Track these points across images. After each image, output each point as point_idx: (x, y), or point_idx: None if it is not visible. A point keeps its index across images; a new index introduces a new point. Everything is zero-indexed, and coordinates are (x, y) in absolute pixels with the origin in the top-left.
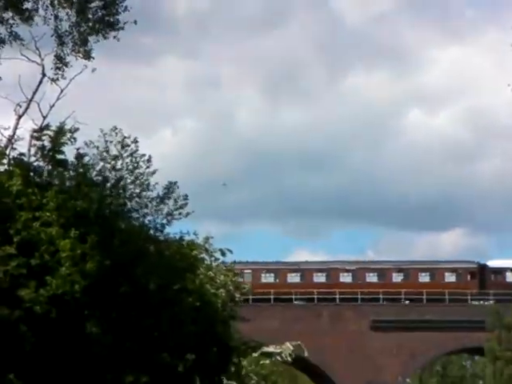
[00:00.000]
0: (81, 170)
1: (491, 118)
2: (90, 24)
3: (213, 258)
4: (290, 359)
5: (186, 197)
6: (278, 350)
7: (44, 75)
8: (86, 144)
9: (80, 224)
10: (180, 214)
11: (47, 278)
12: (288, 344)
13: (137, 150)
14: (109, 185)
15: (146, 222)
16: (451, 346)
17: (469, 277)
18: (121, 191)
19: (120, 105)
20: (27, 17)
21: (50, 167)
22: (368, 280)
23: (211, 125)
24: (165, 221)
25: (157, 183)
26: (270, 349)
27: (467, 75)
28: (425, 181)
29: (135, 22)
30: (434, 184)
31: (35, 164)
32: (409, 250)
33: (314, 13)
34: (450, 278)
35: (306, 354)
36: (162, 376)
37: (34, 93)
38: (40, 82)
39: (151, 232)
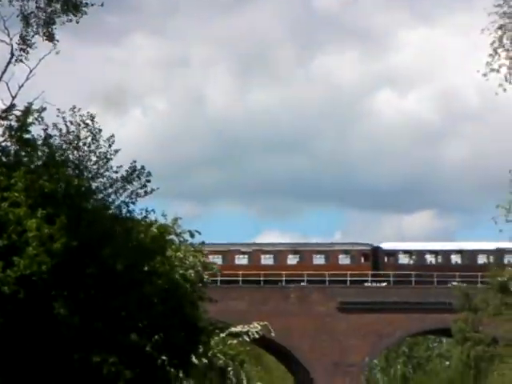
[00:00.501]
0: (47, 151)
1: (460, 100)
2: (58, 6)
3: (181, 239)
4: (257, 336)
5: (148, 173)
6: (245, 330)
7: (12, 55)
8: (54, 125)
9: (47, 204)
10: (145, 192)
11: (14, 258)
12: (255, 323)
13: (99, 130)
14: (72, 165)
15: (110, 200)
16: (417, 328)
17: (362, 259)
18: (84, 171)
19: (90, 85)
20: None
21: (17, 147)
22: (263, 262)
23: (181, 105)
24: (129, 199)
25: (121, 166)
26: (238, 329)
27: (437, 57)
28: (394, 162)
29: (102, 5)
30: (404, 166)
31: (3, 144)
32: (377, 232)
33: None
34: (345, 260)
35: (272, 335)
36: (129, 356)
37: (3, 73)
38: (9, 62)
39: (117, 212)
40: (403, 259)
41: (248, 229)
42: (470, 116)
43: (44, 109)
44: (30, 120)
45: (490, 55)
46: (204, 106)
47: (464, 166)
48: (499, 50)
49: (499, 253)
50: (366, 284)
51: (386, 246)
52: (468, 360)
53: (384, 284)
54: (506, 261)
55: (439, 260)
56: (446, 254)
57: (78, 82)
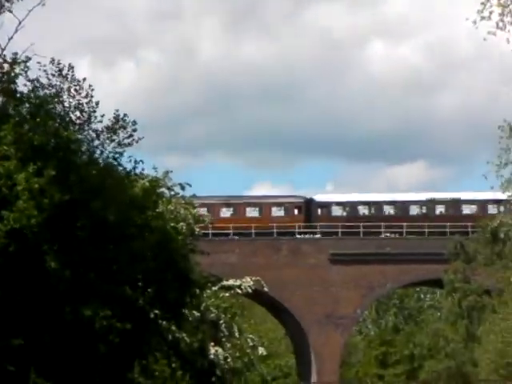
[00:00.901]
0: (35, 102)
1: (452, 49)
2: None
3: (172, 192)
4: (250, 290)
5: (134, 123)
6: (238, 283)
7: (1, 7)
8: (36, 79)
9: (37, 158)
10: (132, 141)
11: (4, 212)
12: (248, 278)
13: (78, 80)
14: (57, 118)
15: (98, 153)
16: (408, 279)
17: (296, 211)
18: (70, 124)
19: (80, 37)
20: None
21: (4, 99)
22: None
23: (173, 57)
24: (116, 151)
25: (103, 115)
26: (230, 282)
27: (429, 6)
28: (386, 113)
29: None
30: (395, 116)
31: None
32: (370, 183)
33: None
34: (278, 212)
35: (265, 289)
36: (122, 310)
37: None
38: None
39: (106, 164)
40: (336, 211)
41: (240, 181)
42: (461, 65)
43: (29, 59)
44: (16, 71)
45: (482, 3)
46: (195, 57)
47: (456, 115)
48: None
49: (431, 203)
50: (299, 236)
51: (319, 198)
52: (459, 310)
53: (318, 236)
54: (437, 211)
55: (372, 211)
56: (379, 205)
57: (68, 33)
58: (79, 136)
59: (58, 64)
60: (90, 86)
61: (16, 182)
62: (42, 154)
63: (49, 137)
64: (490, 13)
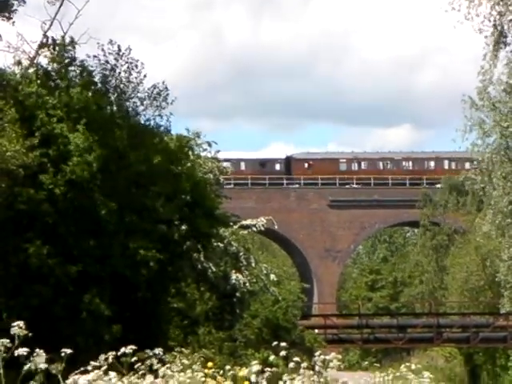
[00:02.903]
0: (84, 73)
1: (432, 34)
2: None
3: (201, 149)
4: (263, 228)
5: (166, 88)
6: (254, 223)
7: None
8: (87, 56)
9: (85, 118)
10: (167, 103)
11: (62, 165)
12: (261, 218)
13: (131, 59)
14: (109, 88)
15: (142, 117)
16: (393, 220)
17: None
18: (122, 94)
19: (131, 22)
20: None
21: (59, 68)
22: None
23: (206, 39)
24: (156, 112)
25: (154, 88)
26: (247, 222)
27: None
28: (378, 86)
29: None
30: (386, 88)
31: (51, 68)
32: (363, 143)
33: None
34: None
35: (276, 227)
36: (160, 243)
37: (56, 13)
38: (61, 4)
39: (146, 124)
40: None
41: (259, 141)
42: (439, 47)
43: (73, 39)
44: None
45: None
46: (224, 39)
47: (435, 87)
48: None
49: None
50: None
51: (298, 155)
52: (431, 246)
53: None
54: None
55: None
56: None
57: (120, 19)
58: (128, 104)
59: (114, 44)
60: (142, 63)
61: (71, 141)
62: (89, 118)
63: (92, 102)
64: (459, 6)
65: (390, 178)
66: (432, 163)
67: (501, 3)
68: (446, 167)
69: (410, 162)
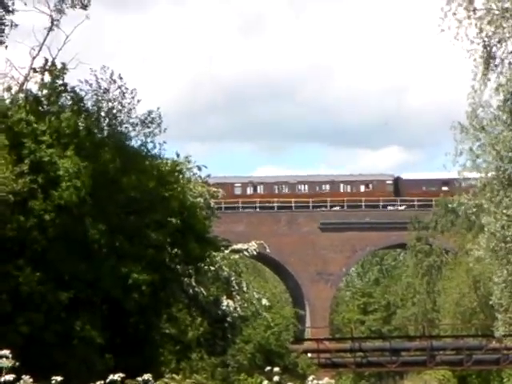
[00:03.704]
0: (73, 98)
1: (420, 58)
2: None
3: (192, 173)
4: (254, 253)
5: (159, 116)
6: (245, 247)
7: (52, 24)
8: (80, 81)
9: (75, 144)
10: (159, 131)
11: (51, 191)
12: (253, 242)
13: (123, 85)
14: (102, 113)
15: (133, 140)
16: (383, 243)
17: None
18: (112, 118)
19: (119, 48)
20: None
21: (49, 95)
22: None
23: (195, 64)
24: (149, 139)
25: (132, 108)
26: (238, 246)
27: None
28: (367, 107)
29: None
30: (374, 110)
31: (40, 94)
32: (353, 164)
33: None
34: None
35: (267, 251)
36: (151, 267)
37: (45, 39)
38: (49, 30)
39: (137, 149)
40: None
41: (248, 163)
42: (428, 70)
43: (64, 65)
44: (57, 73)
45: (441, 18)
46: (212, 63)
47: (424, 110)
48: (448, 13)
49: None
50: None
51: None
52: (422, 267)
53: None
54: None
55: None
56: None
57: (109, 44)
58: (120, 129)
59: (105, 69)
60: (134, 89)
61: (59, 166)
62: (79, 143)
63: (83, 127)
64: (449, 27)
65: (380, 200)
66: (327, 186)
67: (489, 25)
68: (342, 190)
69: (306, 186)
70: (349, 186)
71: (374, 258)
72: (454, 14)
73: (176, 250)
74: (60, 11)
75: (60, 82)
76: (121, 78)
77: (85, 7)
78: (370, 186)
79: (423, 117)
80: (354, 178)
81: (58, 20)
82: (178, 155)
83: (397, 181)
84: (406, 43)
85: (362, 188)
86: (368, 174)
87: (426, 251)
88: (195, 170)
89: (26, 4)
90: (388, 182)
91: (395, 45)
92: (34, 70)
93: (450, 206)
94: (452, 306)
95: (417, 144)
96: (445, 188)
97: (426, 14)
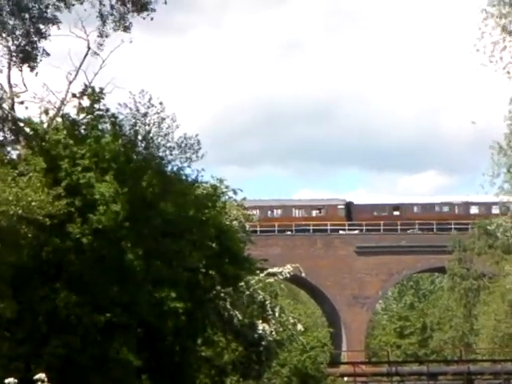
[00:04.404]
0: (112, 123)
1: (453, 78)
2: (129, 5)
3: (226, 196)
4: (288, 276)
5: (198, 142)
6: (280, 270)
7: (89, 49)
8: (119, 104)
9: (114, 169)
10: (197, 156)
11: (89, 215)
12: (288, 265)
13: (162, 110)
14: (140, 137)
15: (170, 167)
16: (421, 266)
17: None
18: (149, 142)
19: (156, 71)
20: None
21: (89, 120)
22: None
23: (232, 85)
24: (186, 164)
25: (170, 133)
26: (274, 269)
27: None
28: (404, 130)
29: (165, 2)
30: (412, 133)
31: (78, 118)
32: (393, 189)
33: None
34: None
35: (303, 274)
36: (188, 289)
37: (81, 64)
38: (86, 55)
39: (175, 173)
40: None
41: (285, 187)
42: (464, 92)
43: (102, 90)
44: (94, 98)
45: (477, 38)
46: (250, 86)
47: (461, 132)
48: (484, 34)
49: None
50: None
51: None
52: (460, 291)
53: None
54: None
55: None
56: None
57: (145, 67)
58: (156, 151)
59: (143, 92)
60: (173, 114)
61: (97, 190)
62: (118, 166)
63: (121, 152)
64: (484, 47)
65: (416, 224)
66: (279, 211)
67: None
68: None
69: (279, 211)
70: (312, 211)
71: (409, 282)
72: (490, 34)
73: (211, 272)
74: (102, 34)
75: (99, 106)
76: (161, 103)
77: (126, 30)
78: (322, 211)
79: (460, 139)
80: (306, 203)
81: (100, 44)
82: (213, 178)
83: (349, 206)
84: (441, 65)
85: (314, 213)
86: (320, 199)
87: (463, 275)
88: (230, 194)
89: (59, 28)
90: (340, 206)
91: (430, 67)
92: (74, 95)
93: (488, 228)
94: (490, 331)
95: (455, 167)
96: (396, 213)
97: (460, 37)
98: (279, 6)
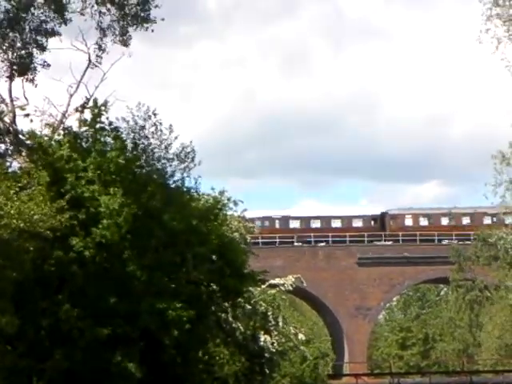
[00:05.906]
0: (115, 136)
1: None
2: (129, 18)
3: (227, 208)
4: (291, 288)
5: (193, 151)
6: (282, 282)
7: (90, 62)
8: (123, 119)
9: (116, 182)
10: (194, 164)
11: (92, 228)
12: (290, 276)
13: (158, 121)
14: (139, 149)
15: (169, 175)
16: (422, 277)
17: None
18: (149, 154)
19: (159, 84)
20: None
21: (91, 133)
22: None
23: (235, 98)
24: (183, 174)
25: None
26: (276, 281)
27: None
28: (407, 142)
29: (163, 19)
30: (414, 144)
31: (80, 131)
32: (394, 199)
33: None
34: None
35: (304, 285)
36: (188, 303)
37: (82, 76)
38: (86, 68)
39: (176, 185)
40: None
41: (288, 199)
42: (468, 102)
43: (107, 102)
44: (96, 112)
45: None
46: (251, 96)
47: (465, 141)
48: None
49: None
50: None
51: None
52: (464, 302)
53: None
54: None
55: None
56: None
57: (147, 81)
58: (156, 163)
59: (140, 105)
60: (170, 125)
61: (100, 203)
62: (121, 178)
63: (125, 164)
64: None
65: (418, 235)
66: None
67: None
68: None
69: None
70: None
71: (416, 293)
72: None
73: (213, 285)
74: (100, 48)
75: (101, 119)
76: (155, 115)
77: (125, 44)
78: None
79: (466, 149)
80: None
81: (99, 56)
82: (213, 189)
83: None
84: (444, 76)
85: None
86: None
87: (468, 286)
88: (231, 205)
89: (61, 41)
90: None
91: (434, 78)
92: (77, 110)
93: (489, 240)
94: (493, 341)
95: (459, 177)
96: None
97: (463, 46)
98: (284, 17)
